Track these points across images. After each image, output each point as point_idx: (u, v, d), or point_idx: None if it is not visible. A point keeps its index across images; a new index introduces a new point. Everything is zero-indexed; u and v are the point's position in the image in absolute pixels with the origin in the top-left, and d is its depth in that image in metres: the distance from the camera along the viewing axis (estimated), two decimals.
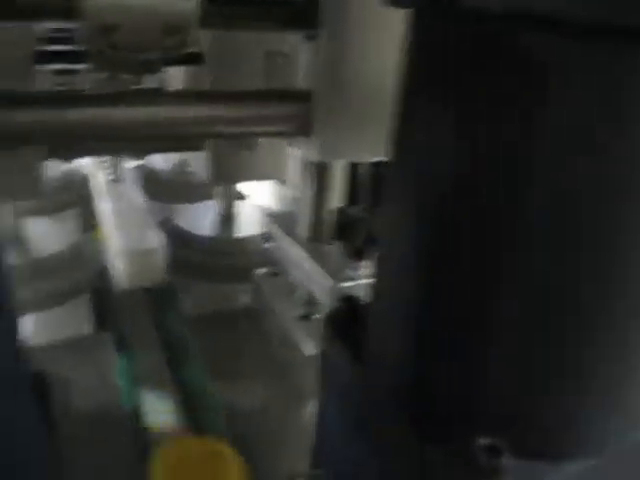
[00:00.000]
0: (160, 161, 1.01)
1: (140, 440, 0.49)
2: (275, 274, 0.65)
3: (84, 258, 0.69)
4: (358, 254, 0.49)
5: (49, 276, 0.63)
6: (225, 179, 0.66)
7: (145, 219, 0.69)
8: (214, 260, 0.70)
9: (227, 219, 0.75)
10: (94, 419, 0.50)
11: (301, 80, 0.48)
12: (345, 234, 0.50)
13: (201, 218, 0.76)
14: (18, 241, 0.66)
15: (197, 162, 0.67)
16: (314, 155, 0.47)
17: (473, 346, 0.24)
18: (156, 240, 0.63)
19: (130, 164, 0.94)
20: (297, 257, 0.55)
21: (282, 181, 0.69)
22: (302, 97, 0.46)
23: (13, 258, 0.64)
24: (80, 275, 0.66)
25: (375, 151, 0.48)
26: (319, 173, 0.54)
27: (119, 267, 0.61)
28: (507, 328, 0.23)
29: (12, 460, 0.24)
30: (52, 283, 0.63)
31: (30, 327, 0.65)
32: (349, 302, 0.37)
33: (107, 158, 0.86)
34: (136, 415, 0.51)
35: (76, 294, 0.66)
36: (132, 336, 0.61)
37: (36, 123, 0.41)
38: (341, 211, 0.51)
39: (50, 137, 0.42)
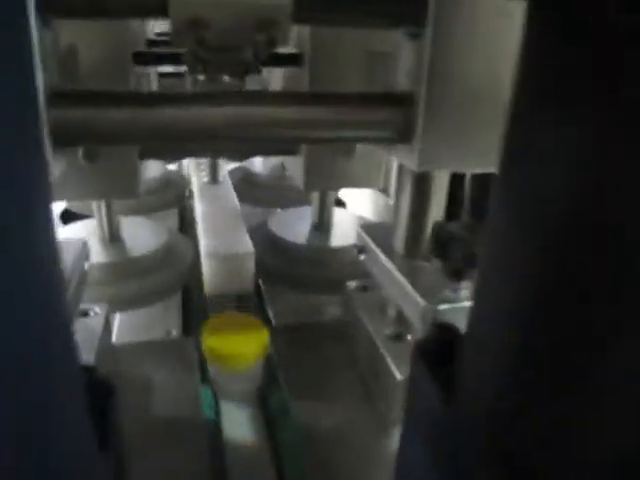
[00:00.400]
0: (258, 164, 1.01)
1: (216, 453, 0.47)
2: (366, 288, 0.61)
3: (177, 259, 0.68)
4: (457, 274, 0.45)
5: (141, 275, 0.63)
6: (319, 186, 0.63)
7: (238, 223, 0.68)
8: (306, 269, 0.67)
9: (322, 227, 0.73)
10: (171, 426, 0.48)
11: (403, 82, 0.44)
12: (444, 252, 0.45)
13: (296, 225, 0.74)
14: (114, 239, 0.66)
15: (294, 167, 0.65)
16: (414, 164, 0.43)
17: (587, 391, 0.20)
18: (248, 245, 0.62)
19: (228, 167, 0.95)
20: (389, 273, 0.51)
21: (380, 189, 0.65)
22: (404, 100, 0.43)
23: (108, 256, 0.64)
24: (171, 276, 0.65)
25: (481, 162, 0.44)
26: (418, 184, 0.50)
27: (209, 270, 0.60)
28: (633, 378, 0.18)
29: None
30: (144, 282, 0.62)
31: (119, 326, 0.65)
32: (443, 330, 0.33)
33: (205, 160, 0.86)
34: (215, 427, 0.50)
35: (166, 295, 0.65)
36: None
37: (132, 122, 0.40)
38: (440, 226, 0.47)
39: (146, 136, 0.41)
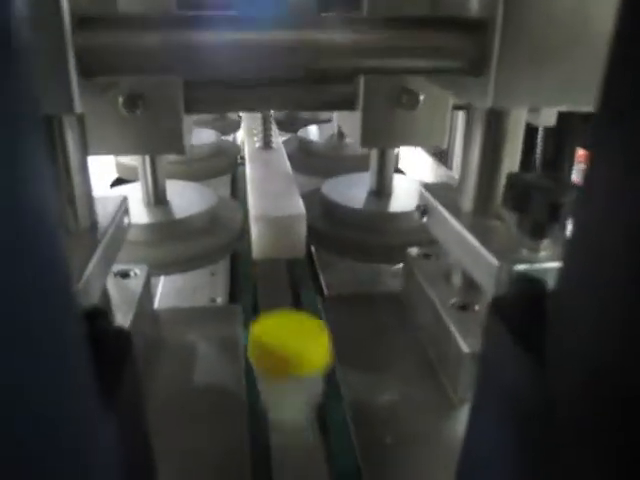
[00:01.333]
0: (313, 134, 0.96)
1: (256, 422, 0.42)
2: (428, 255, 0.55)
3: (224, 223, 0.64)
4: (538, 230, 0.39)
5: (185, 238, 0.59)
6: (377, 142, 0.58)
7: (290, 186, 0.63)
8: (362, 236, 0.62)
9: (381, 193, 0.67)
10: (211, 393, 0.44)
11: (475, 6, 0.38)
12: (522, 205, 0.39)
13: (352, 190, 0.68)
14: (160, 202, 0.63)
15: (351, 124, 0.60)
16: (487, 100, 0.37)
17: None
18: (299, 207, 0.57)
19: (282, 137, 0.90)
20: (457, 233, 0.45)
21: (442, 147, 0.59)
22: (476, 26, 0.37)
23: (152, 217, 0.60)
24: (217, 240, 0.61)
25: (562, 98, 0.38)
26: (490, 129, 0.44)
27: (257, 233, 0.55)
28: None
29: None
30: (187, 245, 0.58)
31: (162, 292, 0.61)
32: (526, 285, 0.27)
33: (258, 126, 0.81)
34: (257, 396, 0.45)
35: (211, 260, 0.61)
36: (264, 307, 0.55)
37: (165, 47, 0.36)
38: (517, 176, 0.41)
39: (182, 64, 0.37)
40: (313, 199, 0.68)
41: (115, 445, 0.21)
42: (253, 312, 0.56)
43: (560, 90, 0.37)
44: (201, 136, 0.93)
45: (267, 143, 0.79)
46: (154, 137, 0.54)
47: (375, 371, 0.47)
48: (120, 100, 0.52)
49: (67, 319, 0.18)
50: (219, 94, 0.57)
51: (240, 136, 1.08)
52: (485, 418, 0.29)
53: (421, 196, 0.52)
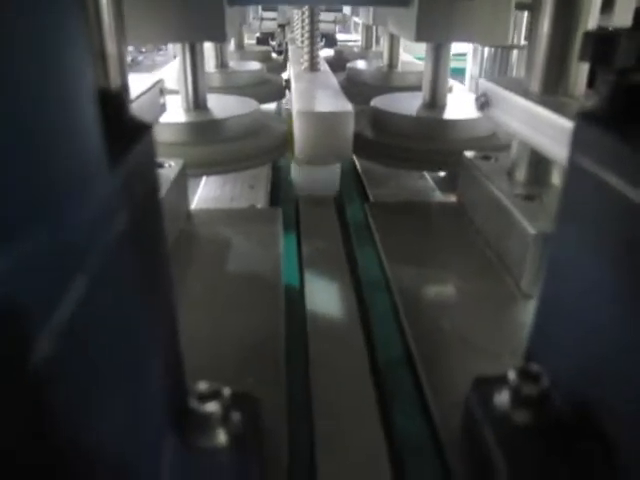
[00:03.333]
0: (363, 65, 0.92)
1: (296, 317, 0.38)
2: (488, 157, 0.51)
3: (267, 126, 0.60)
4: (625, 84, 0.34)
5: (225, 139, 0.56)
6: (432, 36, 0.53)
7: (337, 92, 0.59)
8: (415, 143, 0.57)
9: (434, 105, 0.62)
10: (248, 286, 0.40)
11: None
12: (605, 56, 0.34)
13: (405, 104, 0.63)
14: (200, 107, 0.59)
15: (406, 21, 0.55)
16: None
17: None
18: (346, 105, 0.52)
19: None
20: (525, 111, 0.40)
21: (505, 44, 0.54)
22: None
23: (191, 117, 0.57)
24: (260, 141, 0.57)
25: None
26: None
27: (302, 131, 0.51)
28: None
29: None
30: (225, 146, 0.55)
31: (199, 200, 0.58)
32: (621, 80, 0.23)
33: (305, 50, 0.77)
34: (296, 293, 0.41)
35: (255, 162, 0.57)
36: (306, 213, 0.52)
37: None
38: (596, 31, 0.36)
39: None
40: (363, 113, 0.63)
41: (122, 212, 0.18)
42: (295, 219, 0.52)
43: None
44: (246, 65, 0.89)
45: (313, 65, 0.75)
46: (195, 23, 0.50)
47: (429, 268, 0.43)
48: None
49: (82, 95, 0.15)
50: None
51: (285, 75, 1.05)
52: (569, 256, 0.24)
53: (480, 87, 0.48)
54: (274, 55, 1.20)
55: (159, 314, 0.22)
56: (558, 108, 0.38)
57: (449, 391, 0.30)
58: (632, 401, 0.20)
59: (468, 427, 0.26)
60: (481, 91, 0.48)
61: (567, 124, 0.35)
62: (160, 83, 0.45)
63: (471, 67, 1.36)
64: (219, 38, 0.50)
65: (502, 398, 0.24)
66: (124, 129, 0.21)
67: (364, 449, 0.28)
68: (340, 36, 1.75)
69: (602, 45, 0.34)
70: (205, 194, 0.59)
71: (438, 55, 0.60)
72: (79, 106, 0.16)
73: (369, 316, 0.39)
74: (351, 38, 1.69)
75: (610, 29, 0.35)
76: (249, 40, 1.51)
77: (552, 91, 0.42)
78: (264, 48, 1.21)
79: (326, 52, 1.25)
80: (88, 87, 0.16)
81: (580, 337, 0.24)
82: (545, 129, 0.38)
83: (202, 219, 0.50)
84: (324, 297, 0.40)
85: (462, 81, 1.33)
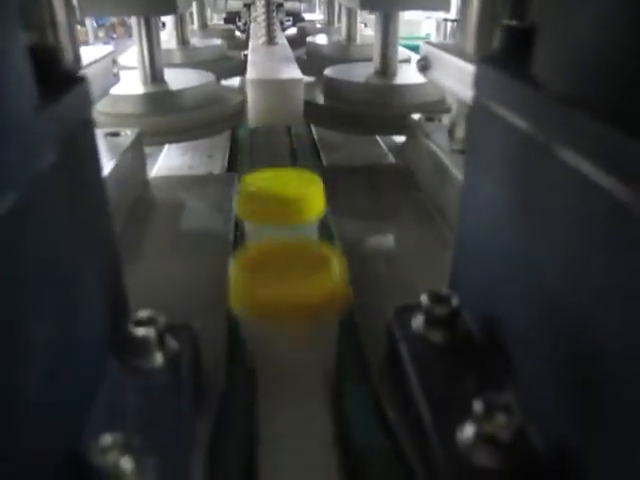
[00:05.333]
0: (323, 39, 0.93)
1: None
2: (431, 119, 0.53)
3: (222, 97, 0.62)
4: None
5: (183, 108, 0.57)
6: (376, 4, 0.55)
7: (289, 61, 0.61)
8: (364, 108, 0.59)
9: (385, 73, 0.64)
10: (201, 239, 0.42)
11: None
12: (517, 16, 0.36)
13: (356, 72, 0.65)
14: (157, 79, 0.61)
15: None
16: None
17: None
18: (296, 72, 0.54)
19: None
20: (460, 70, 0.42)
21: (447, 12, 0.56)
22: None
23: (148, 89, 0.58)
24: (215, 110, 0.59)
25: None
26: None
27: (254, 97, 0.53)
28: None
29: None
30: (186, 115, 0.56)
31: (160, 166, 0.60)
32: (512, 28, 0.25)
33: (264, 22, 0.79)
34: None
35: (211, 131, 0.59)
36: None
37: None
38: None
39: None
40: (316, 82, 0.65)
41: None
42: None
43: None
44: (207, 42, 0.91)
45: (271, 39, 0.77)
46: None
47: (371, 222, 0.45)
48: None
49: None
50: None
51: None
52: (479, 187, 0.27)
53: (422, 50, 0.50)
54: (238, 34, 1.21)
55: (96, 243, 0.24)
56: None
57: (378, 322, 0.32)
58: (524, 317, 0.22)
59: (389, 350, 0.28)
60: (422, 54, 0.50)
61: None
62: (113, 54, 0.47)
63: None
64: (169, 11, 0.52)
65: (417, 320, 0.27)
66: (58, 79, 0.23)
67: (303, 375, 0.30)
68: (307, 15, 1.76)
69: (514, 5, 0.36)
70: (164, 163, 0.60)
71: (387, 24, 0.61)
72: (7, 58, 0.18)
73: None
74: (318, 17, 1.70)
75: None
76: (218, 21, 1.52)
77: (485, 50, 0.44)
78: (228, 27, 1.21)
79: (292, 31, 1.26)
80: (17, 42, 0.18)
81: (487, 262, 0.26)
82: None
83: (159, 186, 0.52)
84: None
85: None
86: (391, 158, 0.61)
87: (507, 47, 0.25)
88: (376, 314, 0.33)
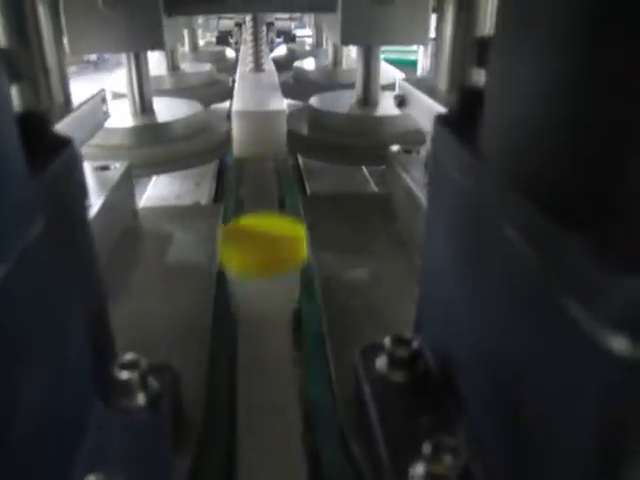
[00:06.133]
0: (310, 64, 0.96)
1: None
2: (409, 151, 0.55)
3: (209, 127, 0.64)
4: None
5: (172, 139, 0.59)
6: (356, 39, 0.57)
7: (274, 91, 0.63)
8: (346, 139, 0.61)
9: (367, 102, 0.66)
10: (184, 275, 0.44)
11: None
12: (483, 59, 0.38)
13: (339, 102, 0.68)
14: (146, 110, 0.63)
15: (332, 25, 0.59)
16: None
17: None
18: (280, 104, 0.57)
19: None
20: (431, 111, 0.45)
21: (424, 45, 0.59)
22: None
23: (137, 121, 0.61)
24: (203, 140, 0.61)
25: None
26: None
27: (239, 128, 0.55)
28: None
29: None
30: (170, 147, 0.59)
31: (148, 195, 0.62)
32: (465, 91, 0.27)
33: (251, 49, 0.81)
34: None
35: (197, 161, 0.61)
36: (246, 205, 0.55)
37: None
38: (479, 38, 0.40)
39: None
40: (300, 111, 0.68)
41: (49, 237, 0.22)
42: (236, 213, 0.56)
43: None
44: (196, 67, 0.93)
45: (258, 66, 0.79)
46: (134, 33, 0.54)
47: (348, 252, 0.47)
48: None
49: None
50: None
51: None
52: (436, 238, 0.29)
53: (399, 87, 0.52)
54: (228, 55, 1.23)
55: (83, 292, 0.27)
56: None
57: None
58: (468, 362, 0.25)
59: (355, 387, 0.30)
60: (398, 90, 0.53)
61: None
62: (102, 92, 0.49)
63: (422, 60, 1.41)
64: (157, 47, 0.54)
65: (381, 361, 0.29)
66: (46, 145, 0.25)
67: (280, 410, 0.32)
68: (298, 32, 1.79)
69: (480, 49, 0.38)
70: (153, 193, 0.62)
71: (368, 57, 0.64)
72: None
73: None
74: (309, 33, 1.72)
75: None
76: (211, 38, 1.54)
77: (456, 90, 0.47)
78: (218, 48, 1.24)
79: (284, 49, 1.29)
80: (7, 112, 0.20)
81: (442, 308, 0.28)
82: None
83: (147, 217, 0.54)
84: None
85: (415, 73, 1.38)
86: (373, 186, 0.63)
87: (462, 108, 0.27)
88: (347, 347, 0.35)
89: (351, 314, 0.39)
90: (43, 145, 0.25)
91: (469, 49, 0.43)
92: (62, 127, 0.39)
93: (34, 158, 0.23)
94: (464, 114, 0.27)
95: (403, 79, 0.52)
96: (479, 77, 0.46)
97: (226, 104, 0.92)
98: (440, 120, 0.28)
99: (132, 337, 0.33)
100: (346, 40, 0.56)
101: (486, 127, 0.23)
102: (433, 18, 0.55)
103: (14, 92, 0.42)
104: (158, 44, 0.54)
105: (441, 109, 0.43)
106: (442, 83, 0.47)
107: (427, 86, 0.49)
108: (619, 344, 0.14)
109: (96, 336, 0.28)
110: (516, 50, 0.20)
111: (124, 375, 0.26)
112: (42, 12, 0.43)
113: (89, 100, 0.46)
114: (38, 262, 0.22)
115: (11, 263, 0.19)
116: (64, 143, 0.26)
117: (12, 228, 0.20)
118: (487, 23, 0.45)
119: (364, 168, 0.68)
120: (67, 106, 0.44)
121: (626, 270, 0.14)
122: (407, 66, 1.32)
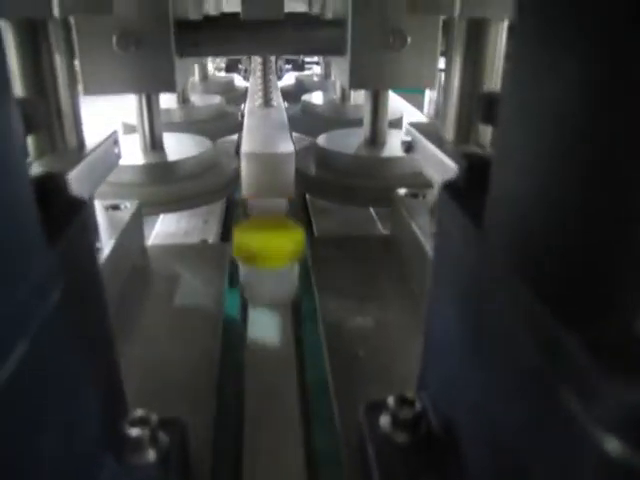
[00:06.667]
0: (318, 98, 0.97)
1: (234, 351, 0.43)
2: (416, 195, 0.56)
3: (219, 165, 0.65)
4: None
5: (181, 178, 0.60)
6: (365, 83, 0.58)
7: (283, 130, 0.64)
8: (354, 180, 0.62)
9: (374, 142, 0.68)
10: (189, 316, 0.45)
11: None
12: (490, 116, 0.39)
13: (347, 141, 0.69)
14: (156, 147, 0.64)
15: (341, 68, 0.60)
16: (453, 10, 0.37)
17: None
18: (289, 146, 0.57)
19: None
20: (438, 161, 0.46)
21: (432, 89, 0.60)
22: None
23: (148, 159, 0.62)
24: (213, 179, 0.62)
25: None
26: (469, 49, 0.44)
27: (246, 170, 0.56)
28: None
29: None
30: (179, 186, 0.60)
31: (156, 233, 0.63)
32: (472, 160, 0.28)
33: (261, 85, 0.82)
34: (236, 327, 0.46)
35: (204, 201, 0.62)
36: None
37: None
38: (486, 94, 0.41)
39: None
40: (308, 149, 0.69)
41: (65, 303, 0.23)
42: None
43: None
44: (206, 100, 0.94)
45: (267, 101, 0.80)
46: (147, 75, 0.55)
47: (355, 297, 0.48)
48: (114, 38, 0.53)
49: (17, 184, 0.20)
50: (209, 37, 0.58)
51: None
52: (440, 302, 0.29)
53: (407, 132, 0.53)
54: (237, 84, 1.25)
55: (99, 362, 0.27)
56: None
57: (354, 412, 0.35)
58: (470, 427, 0.25)
59: (359, 447, 0.30)
60: (405, 135, 0.53)
61: None
62: (114, 135, 0.50)
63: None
64: (169, 89, 0.55)
65: (384, 420, 0.29)
66: (62, 208, 0.26)
67: (286, 462, 0.33)
68: (307, 58, 1.81)
69: (487, 106, 0.39)
70: (162, 229, 0.63)
71: (376, 100, 0.65)
72: (14, 197, 0.20)
73: (303, 345, 0.44)
74: (317, 60, 1.74)
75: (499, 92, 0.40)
76: (220, 63, 1.56)
77: (464, 139, 0.47)
78: (227, 78, 1.26)
79: (292, 77, 1.30)
80: (23, 179, 0.21)
81: (446, 371, 0.29)
82: None
83: (156, 255, 0.55)
84: (265, 329, 0.45)
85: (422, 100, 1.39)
86: (379, 226, 0.64)
87: (468, 176, 0.28)
88: (352, 401, 0.36)
89: (356, 363, 0.40)
90: (58, 208, 0.26)
91: (475, 104, 0.44)
92: (76, 175, 0.40)
93: (49, 222, 0.23)
94: (470, 183, 0.28)
95: (410, 124, 0.53)
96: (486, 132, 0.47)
97: (234, 137, 0.94)
98: (446, 188, 0.29)
99: (139, 386, 0.34)
100: (354, 84, 0.57)
101: (491, 201, 0.24)
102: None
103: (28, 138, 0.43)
104: (170, 86, 0.55)
105: (446, 160, 0.44)
106: (448, 133, 0.48)
107: (434, 134, 0.50)
108: (614, 446, 0.14)
109: (108, 394, 0.28)
110: (523, 124, 0.20)
111: (135, 432, 0.27)
112: (58, 59, 0.44)
113: (102, 144, 0.47)
114: (55, 331, 0.22)
115: (30, 336, 0.20)
116: (79, 206, 0.27)
117: (31, 300, 0.20)
118: (495, 77, 0.46)
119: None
120: (80, 150, 0.45)
121: (625, 373, 0.14)
122: (415, 92, 1.34)
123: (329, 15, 0.67)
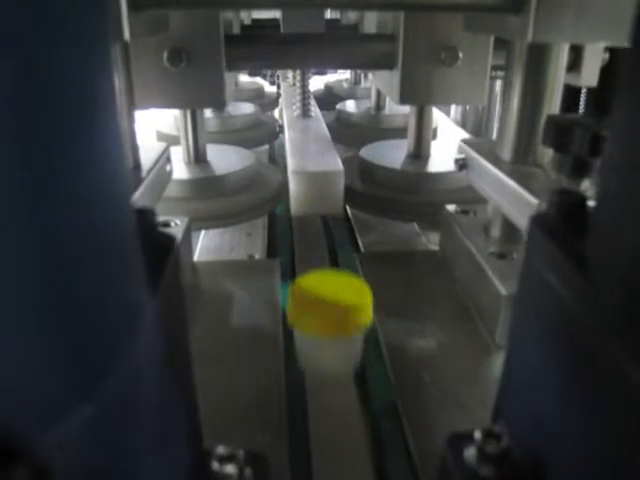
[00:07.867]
0: (352, 107, 0.97)
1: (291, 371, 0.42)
2: (467, 212, 0.55)
3: (263, 180, 0.65)
4: (578, 167, 0.39)
5: (226, 193, 0.60)
6: (415, 99, 0.58)
7: (328, 146, 0.64)
8: (400, 195, 0.62)
9: (418, 156, 0.67)
10: (249, 337, 0.45)
11: None
12: (562, 141, 0.39)
13: (390, 154, 0.68)
14: (200, 160, 0.64)
15: (390, 83, 0.60)
16: (525, 34, 0.37)
17: None
18: (337, 164, 0.57)
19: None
20: (496, 180, 0.45)
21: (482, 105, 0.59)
22: None
23: (192, 174, 0.62)
24: (256, 196, 0.62)
25: (609, 33, 0.37)
26: (529, 71, 0.44)
27: (295, 188, 0.56)
28: None
29: None
30: (225, 201, 0.60)
31: (201, 248, 0.63)
32: (567, 197, 0.28)
33: (297, 98, 0.82)
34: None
35: (249, 216, 0.62)
36: (301, 264, 0.56)
37: None
38: (556, 116, 0.41)
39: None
40: (351, 162, 0.68)
41: (158, 337, 0.22)
42: (290, 269, 0.57)
43: (609, 24, 0.37)
44: (241, 109, 0.94)
45: (306, 112, 0.80)
46: (196, 91, 0.55)
47: (411, 319, 0.47)
48: (165, 54, 0.53)
49: (124, 216, 0.19)
50: (260, 51, 0.58)
51: (277, 112, 1.10)
52: (526, 337, 0.29)
53: (460, 149, 0.53)
54: (267, 89, 1.25)
55: (183, 399, 0.27)
56: (524, 180, 0.43)
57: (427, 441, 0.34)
58: (572, 458, 0.25)
59: (441, 475, 0.30)
60: (459, 153, 0.53)
61: (530, 200, 0.40)
62: (167, 152, 0.50)
63: None
64: (219, 104, 0.55)
65: (470, 454, 0.29)
66: (154, 246, 0.25)
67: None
68: None
69: (560, 133, 0.39)
70: (206, 244, 0.63)
71: (421, 113, 0.65)
72: (124, 242, 0.20)
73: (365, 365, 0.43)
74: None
75: (570, 117, 0.40)
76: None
77: (522, 159, 0.47)
78: (256, 84, 1.25)
79: (317, 81, 1.30)
80: (129, 217, 0.20)
81: (536, 400, 0.28)
82: (511, 200, 0.43)
83: (204, 272, 0.54)
84: None
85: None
86: (423, 239, 0.64)
87: (560, 214, 0.28)
88: (426, 433, 0.35)
89: (423, 389, 0.39)
90: (151, 247, 0.25)
91: (541, 127, 0.43)
92: (139, 198, 0.40)
93: (149, 264, 0.22)
94: (561, 221, 0.27)
95: (463, 141, 0.53)
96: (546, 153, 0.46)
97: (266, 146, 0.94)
98: (536, 222, 0.28)
99: (207, 416, 0.33)
100: (404, 100, 0.57)
101: (597, 245, 0.23)
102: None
103: None
104: (220, 102, 0.55)
105: (505, 180, 0.44)
106: (506, 153, 0.47)
107: (488, 152, 0.49)
108: None
109: (191, 430, 0.28)
110: None
111: (225, 469, 0.27)
112: (117, 79, 0.44)
113: (157, 163, 0.47)
114: (150, 378, 0.22)
115: (132, 385, 0.19)
116: (169, 242, 0.27)
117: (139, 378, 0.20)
118: (555, 100, 0.45)
119: None
120: (137, 171, 0.45)
121: None
122: None
123: (374, 29, 0.67)
